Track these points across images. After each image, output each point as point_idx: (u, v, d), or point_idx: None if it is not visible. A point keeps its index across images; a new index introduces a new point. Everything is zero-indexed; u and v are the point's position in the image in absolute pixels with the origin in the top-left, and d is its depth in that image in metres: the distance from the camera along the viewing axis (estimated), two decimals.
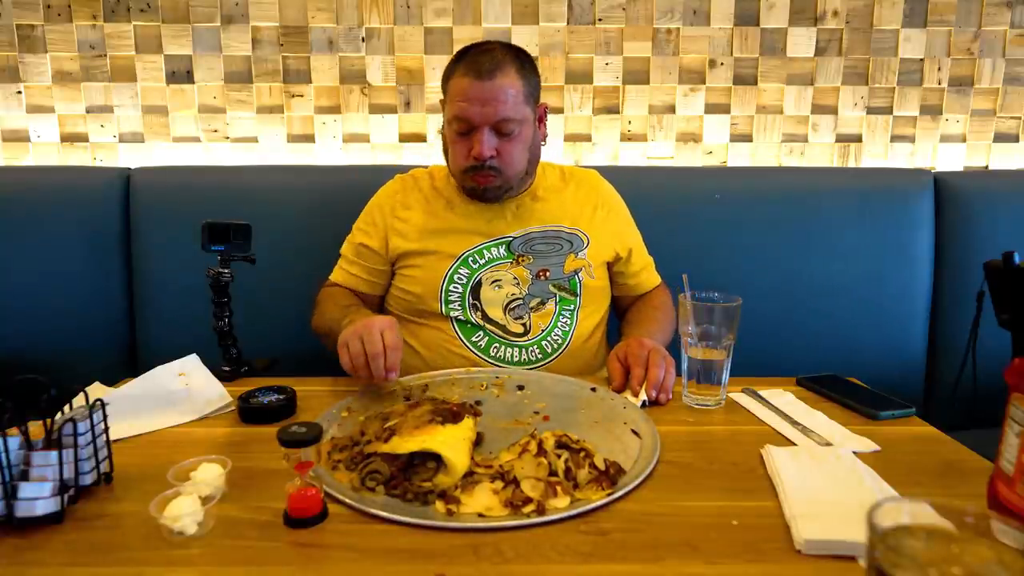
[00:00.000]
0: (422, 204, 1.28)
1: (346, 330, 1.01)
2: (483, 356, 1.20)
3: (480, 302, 1.22)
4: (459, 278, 1.22)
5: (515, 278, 1.23)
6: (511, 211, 1.26)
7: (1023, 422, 0.61)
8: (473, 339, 1.21)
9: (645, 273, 1.37)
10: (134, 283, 1.55)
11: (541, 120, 1.26)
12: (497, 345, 1.21)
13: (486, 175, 1.18)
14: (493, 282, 1.22)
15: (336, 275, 1.34)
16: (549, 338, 1.23)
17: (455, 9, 1.71)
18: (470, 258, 1.23)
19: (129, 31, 1.71)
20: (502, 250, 1.24)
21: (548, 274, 1.24)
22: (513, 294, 1.23)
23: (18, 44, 1.71)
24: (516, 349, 1.21)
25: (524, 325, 1.22)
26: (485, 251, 1.23)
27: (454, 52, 1.71)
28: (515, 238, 1.24)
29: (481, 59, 1.14)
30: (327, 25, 1.72)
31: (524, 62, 1.19)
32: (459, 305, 1.21)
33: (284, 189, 1.58)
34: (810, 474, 0.73)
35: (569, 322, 1.24)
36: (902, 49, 1.75)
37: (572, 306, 1.25)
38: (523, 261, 1.23)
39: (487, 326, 1.21)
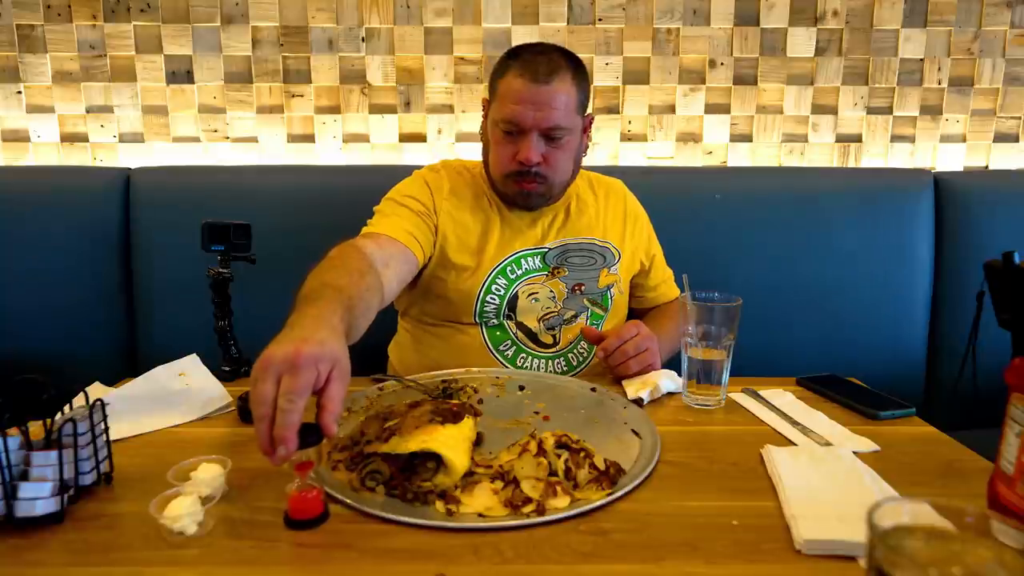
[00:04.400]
0: (468, 199, 1.21)
1: (271, 345, 0.66)
2: (509, 366, 1.19)
3: (515, 314, 1.20)
4: (497, 288, 1.18)
5: (551, 292, 1.21)
6: (547, 220, 1.23)
7: (1023, 422, 0.61)
8: (500, 348, 1.20)
9: (665, 286, 1.36)
10: (134, 283, 1.55)
11: (586, 130, 1.21)
12: (524, 355, 1.20)
13: (531, 181, 1.14)
14: (530, 295, 1.20)
15: (378, 224, 1.12)
16: (575, 350, 1.22)
17: (455, 9, 1.71)
18: (508, 268, 1.19)
19: (129, 31, 1.71)
20: (537, 261, 1.21)
21: (583, 288, 1.22)
22: (548, 308, 1.20)
23: (18, 44, 1.71)
24: (542, 360, 1.20)
25: (554, 337, 1.21)
26: (523, 260, 1.20)
27: (453, 52, 1.73)
28: (550, 249, 1.22)
29: (538, 60, 1.10)
30: (327, 25, 1.72)
31: (579, 68, 1.15)
32: (494, 315, 1.19)
33: (284, 189, 1.58)
34: (810, 474, 0.73)
35: None
36: (902, 49, 1.75)
37: (600, 321, 1.25)
38: (558, 274, 1.21)
39: (518, 332, 1.20)
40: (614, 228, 1.28)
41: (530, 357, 1.20)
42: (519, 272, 1.20)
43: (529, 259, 1.21)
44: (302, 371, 0.62)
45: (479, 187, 1.25)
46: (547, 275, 1.21)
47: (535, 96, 1.09)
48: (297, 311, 0.77)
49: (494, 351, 1.20)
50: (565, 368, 1.21)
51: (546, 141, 1.13)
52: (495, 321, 1.20)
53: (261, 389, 0.62)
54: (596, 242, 1.25)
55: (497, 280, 1.19)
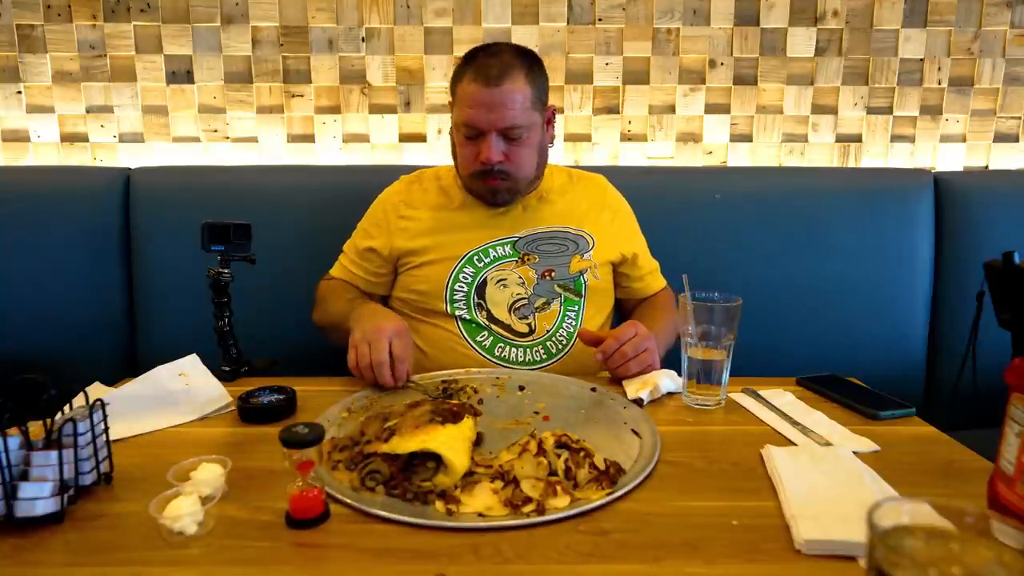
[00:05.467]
0: (428, 203, 1.28)
1: (356, 331, 1.03)
2: (488, 356, 1.20)
3: (485, 301, 1.22)
4: (464, 277, 1.22)
5: (520, 278, 1.23)
6: (517, 211, 1.26)
7: (1023, 422, 0.61)
8: (478, 339, 1.21)
9: (651, 277, 1.37)
10: (134, 283, 1.55)
11: (549, 122, 1.25)
12: (502, 345, 1.21)
13: (494, 179, 1.18)
14: (498, 281, 1.22)
15: (337, 270, 1.34)
16: (554, 338, 1.23)
17: (455, 9, 1.71)
18: (475, 257, 1.23)
19: (129, 31, 1.71)
20: (507, 249, 1.24)
21: (553, 274, 1.24)
22: (518, 294, 1.22)
23: (18, 44, 1.71)
24: (521, 349, 1.21)
25: (529, 325, 1.22)
26: (491, 250, 1.23)
27: (453, 52, 1.73)
28: (520, 238, 1.24)
29: (489, 63, 1.14)
30: (327, 25, 1.72)
31: (533, 66, 1.18)
32: (464, 304, 1.21)
33: (284, 189, 1.58)
34: (810, 474, 0.73)
35: (574, 323, 1.24)
36: (902, 49, 1.75)
37: (577, 307, 1.25)
38: (528, 260, 1.23)
39: (492, 326, 1.21)
40: (589, 216, 1.29)
41: (508, 347, 1.21)
42: (487, 260, 1.23)
43: (499, 247, 1.24)
44: (382, 340, 0.99)
45: (450, 187, 1.29)
46: (517, 262, 1.23)
47: (488, 99, 1.13)
48: (353, 315, 1.09)
49: (471, 342, 1.21)
50: (545, 356, 1.22)
51: (506, 140, 1.17)
52: (467, 315, 1.21)
53: (361, 350, 1.00)
54: (569, 230, 1.27)
55: (465, 269, 1.22)
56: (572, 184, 1.33)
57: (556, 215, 1.27)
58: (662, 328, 1.22)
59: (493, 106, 1.13)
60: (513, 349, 1.21)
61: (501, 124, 1.14)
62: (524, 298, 1.23)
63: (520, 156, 1.18)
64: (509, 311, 1.22)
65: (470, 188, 1.25)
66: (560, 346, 1.23)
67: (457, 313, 1.22)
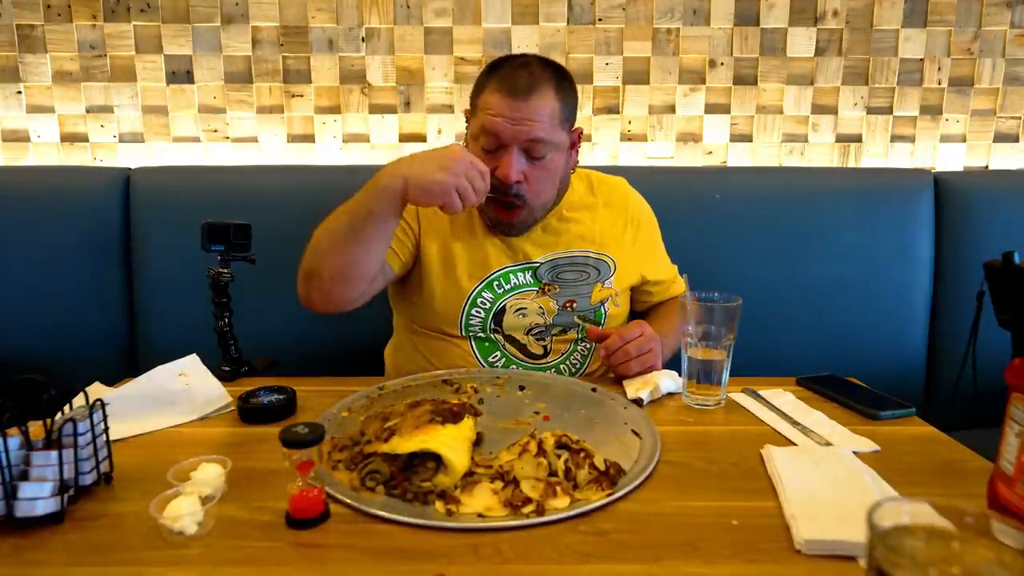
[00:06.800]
0: (459, 214, 1.17)
1: (430, 170, 0.95)
2: None
3: (502, 328, 1.18)
4: (482, 302, 1.16)
5: (540, 308, 1.18)
6: (537, 232, 1.19)
7: (1023, 422, 0.61)
8: (490, 359, 1.19)
9: (674, 286, 1.34)
10: (134, 283, 1.55)
11: (574, 145, 1.17)
12: (514, 366, 1.19)
13: (510, 206, 1.10)
14: (517, 310, 1.17)
15: None
16: (568, 361, 1.21)
17: (455, 9, 1.71)
18: (495, 282, 1.17)
19: (129, 31, 1.71)
20: (528, 276, 1.18)
21: (575, 305, 1.19)
22: (536, 323, 1.19)
23: (18, 44, 1.71)
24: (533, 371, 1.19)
25: (544, 347, 1.20)
26: (511, 275, 1.17)
27: (453, 52, 1.73)
28: (541, 264, 1.18)
29: (517, 75, 1.06)
30: (327, 25, 1.72)
31: (563, 81, 1.10)
32: (480, 329, 1.17)
33: (284, 189, 1.58)
34: (810, 474, 0.73)
35: (588, 346, 1.22)
36: (902, 49, 1.75)
37: None
38: (549, 291, 1.18)
39: (507, 345, 1.19)
40: (611, 235, 1.23)
41: (521, 368, 1.19)
42: (507, 287, 1.18)
43: (519, 274, 1.18)
44: (472, 170, 0.96)
45: None
46: (538, 291, 1.18)
47: (514, 111, 1.04)
48: (373, 179, 1.00)
49: (483, 363, 1.18)
50: None
51: (528, 159, 1.08)
52: (482, 334, 1.18)
53: (464, 188, 0.95)
54: (590, 254, 1.21)
55: (483, 294, 1.17)
56: (593, 196, 1.25)
57: (578, 237, 1.20)
58: (670, 331, 1.20)
59: (518, 119, 1.04)
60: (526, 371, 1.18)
61: (525, 136, 1.05)
62: (542, 327, 1.19)
63: (540, 180, 1.09)
64: (526, 333, 1.19)
65: (482, 212, 1.17)
66: (574, 369, 1.22)
67: (471, 334, 1.18)
